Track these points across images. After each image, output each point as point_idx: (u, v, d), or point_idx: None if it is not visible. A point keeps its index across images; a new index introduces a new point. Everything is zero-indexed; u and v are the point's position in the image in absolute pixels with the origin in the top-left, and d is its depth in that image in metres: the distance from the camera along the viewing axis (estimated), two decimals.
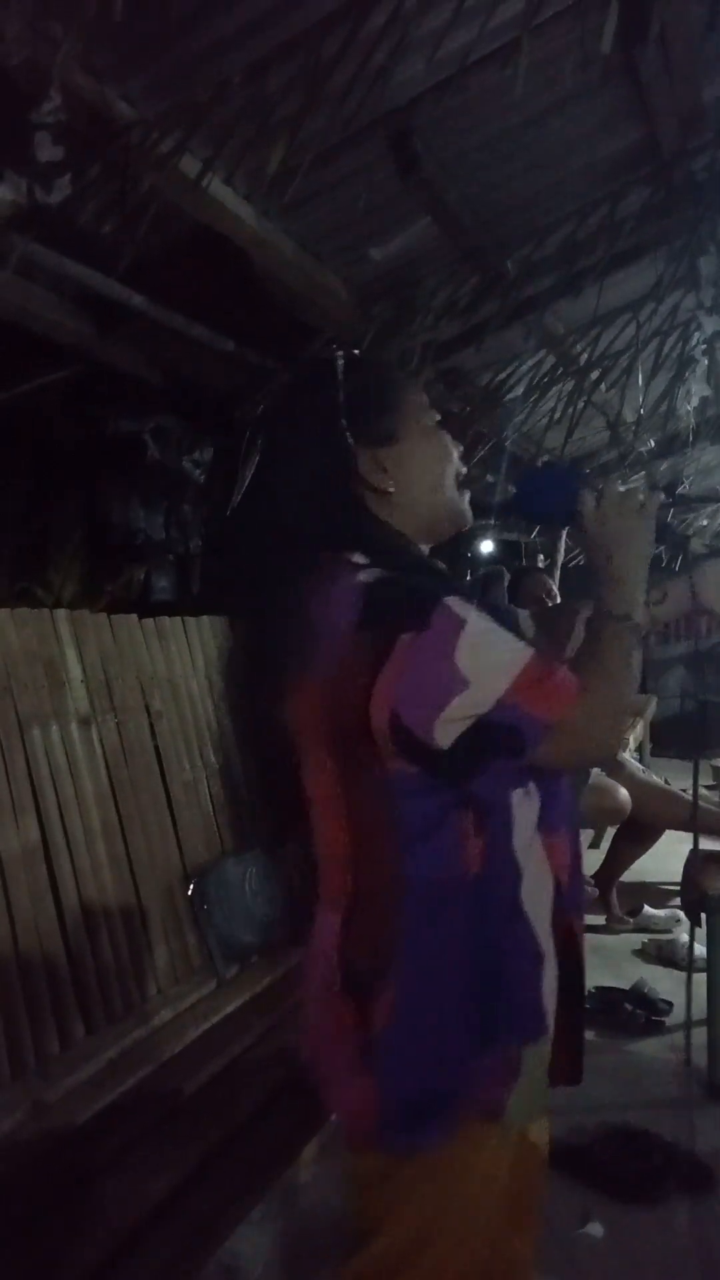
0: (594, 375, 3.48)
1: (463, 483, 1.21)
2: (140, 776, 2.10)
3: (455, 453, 1.20)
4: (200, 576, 4.84)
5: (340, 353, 1.19)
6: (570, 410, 3.56)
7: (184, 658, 2.38)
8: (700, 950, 2.64)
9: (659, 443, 5.00)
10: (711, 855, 2.62)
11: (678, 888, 3.53)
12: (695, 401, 4.02)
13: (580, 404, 3.55)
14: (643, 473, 5.29)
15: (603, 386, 3.53)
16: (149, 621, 2.30)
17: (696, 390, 3.90)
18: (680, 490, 5.40)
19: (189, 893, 2.11)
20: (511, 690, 1.01)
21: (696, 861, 2.60)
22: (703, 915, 2.55)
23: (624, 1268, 1.87)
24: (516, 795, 1.10)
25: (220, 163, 2.02)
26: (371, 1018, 1.09)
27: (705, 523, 6.01)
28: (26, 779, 1.81)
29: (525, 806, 1.11)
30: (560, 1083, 1.19)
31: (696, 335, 3.35)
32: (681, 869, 2.61)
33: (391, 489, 1.14)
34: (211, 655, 2.48)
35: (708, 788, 4.33)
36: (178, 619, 2.41)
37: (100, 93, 1.86)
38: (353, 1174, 1.16)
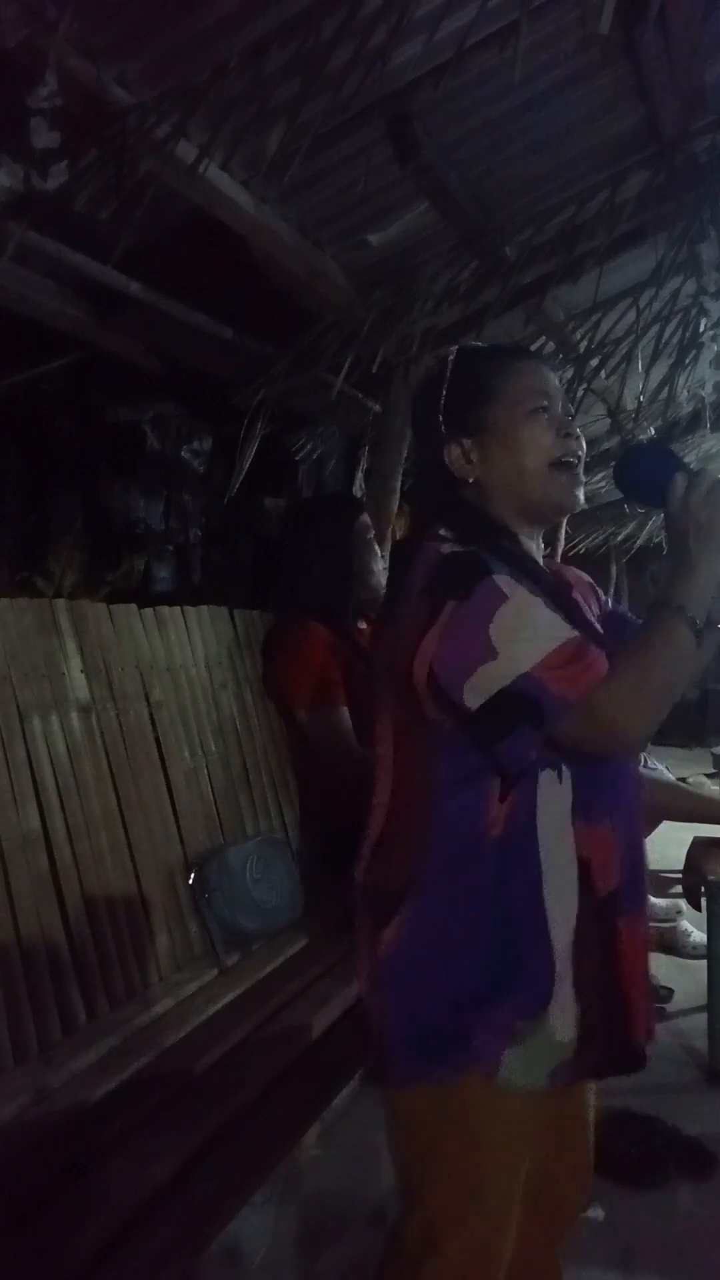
0: (594, 362, 3.46)
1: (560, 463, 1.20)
2: (141, 765, 2.10)
3: (551, 437, 1.19)
4: (201, 566, 4.83)
5: (455, 348, 1.27)
6: (570, 397, 3.54)
7: (184, 647, 2.38)
8: (701, 937, 2.64)
9: (660, 430, 4.98)
10: (714, 841, 2.62)
11: (679, 875, 3.54)
12: (709, 387, 4.01)
13: (580, 391, 3.53)
14: None
15: (603, 373, 3.51)
16: (149, 611, 2.29)
17: (710, 376, 3.88)
18: None
19: (190, 880, 2.11)
20: (538, 667, 1.04)
21: (698, 846, 2.60)
22: (702, 900, 2.55)
23: (625, 1251, 1.88)
24: (545, 776, 1.11)
25: (218, 147, 2.01)
26: (379, 943, 1.15)
27: None
28: (27, 767, 1.81)
29: (553, 789, 1.12)
30: (610, 1073, 1.20)
31: (703, 321, 3.33)
32: (684, 857, 2.60)
33: (472, 479, 1.20)
34: (212, 645, 2.48)
35: (708, 775, 4.33)
36: (177, 608, 2.40)
37: (96, 76, 1.84)
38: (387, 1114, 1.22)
